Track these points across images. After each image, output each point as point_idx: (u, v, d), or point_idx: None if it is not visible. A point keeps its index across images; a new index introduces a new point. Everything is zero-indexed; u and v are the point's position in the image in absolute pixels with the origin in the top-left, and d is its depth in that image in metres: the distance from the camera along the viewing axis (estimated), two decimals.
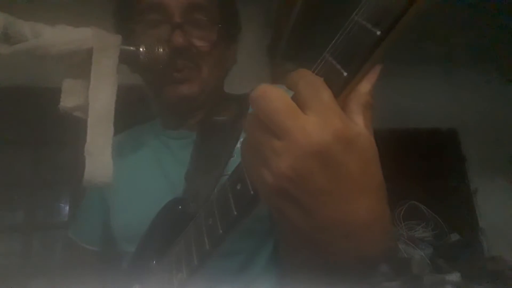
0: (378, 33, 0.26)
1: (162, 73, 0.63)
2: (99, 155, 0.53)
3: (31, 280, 1.86)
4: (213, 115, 0.68)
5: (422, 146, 2.50)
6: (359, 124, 0.28)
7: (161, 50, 0.61)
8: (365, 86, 0.28)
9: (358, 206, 0.27)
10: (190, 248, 0.46)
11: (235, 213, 0.37)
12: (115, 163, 0.68)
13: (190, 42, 0.64)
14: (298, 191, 0.26)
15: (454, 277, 1.95)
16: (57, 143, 1.95)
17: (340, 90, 0.28)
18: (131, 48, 0.59)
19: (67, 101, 0.55)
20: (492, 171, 2.50)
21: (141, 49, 0.60)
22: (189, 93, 0.66)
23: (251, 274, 0.62)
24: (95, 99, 0.53)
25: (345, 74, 0.28)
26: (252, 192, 0.34)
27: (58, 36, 0.51)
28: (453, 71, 2.72)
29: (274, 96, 0.28)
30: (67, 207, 2.02)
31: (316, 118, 0.26)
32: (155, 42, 0.62)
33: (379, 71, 0.29)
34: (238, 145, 0.60)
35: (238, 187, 0.36)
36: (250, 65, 0.78)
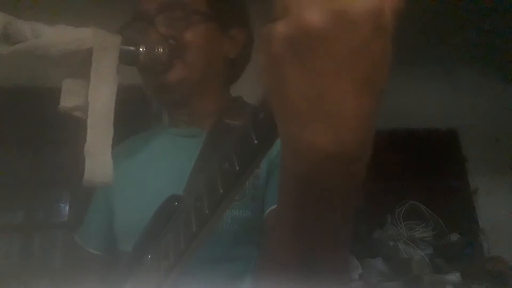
0: None
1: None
2: (99, 155, 0.53)
3: (31, 280, 1.86)
4: (226, 117, 0.68)
5: (422, 146, 2.50)
6: None
7: (161, 50, 0.62)
8: None
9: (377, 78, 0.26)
10: (179, 234, 0.47)
11: (221, 191, 0.38)
12: (123, 165, 0.69)
13: (166, 36, 0.66)
14: (318, 45, 0.25)
15: (454, 277, 1.95)
16: (57, 143, 1.96)
17: None
18: (131, 48, 0.59)
19: (67, 101, 0.55)
20: (492, 171, 2.50)
21: (141, 49, 0.60)
22: (172, 79, 0.67)
23: (249, 282, 0.62)
24: (95, 99, 0.53)
25: None
26: (237, 168, 0.36)
27: (58, 36, 0.51)
28: (453, 71, 2.72)
29: None
30: (67, 207, 2.02)
31: None
32: (155, 42, 0.62)
33: None
34: None
35: (226, 166, 0.38)
36: (250, 65, 0.78)
